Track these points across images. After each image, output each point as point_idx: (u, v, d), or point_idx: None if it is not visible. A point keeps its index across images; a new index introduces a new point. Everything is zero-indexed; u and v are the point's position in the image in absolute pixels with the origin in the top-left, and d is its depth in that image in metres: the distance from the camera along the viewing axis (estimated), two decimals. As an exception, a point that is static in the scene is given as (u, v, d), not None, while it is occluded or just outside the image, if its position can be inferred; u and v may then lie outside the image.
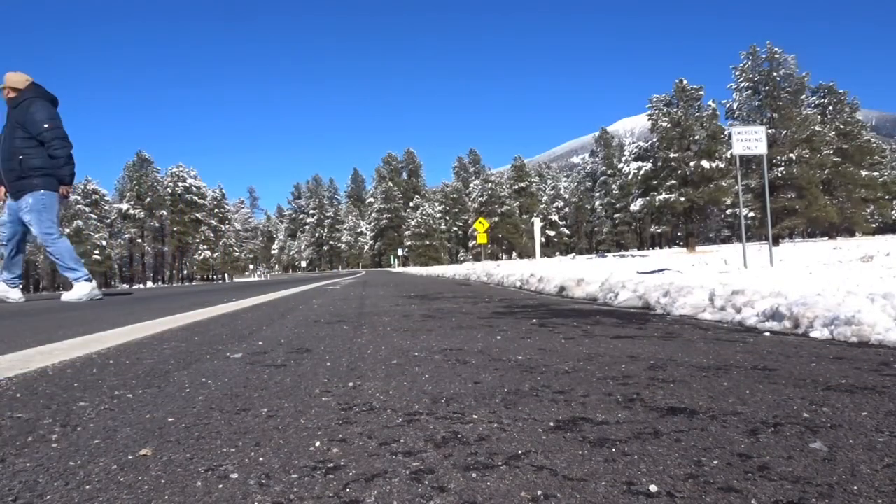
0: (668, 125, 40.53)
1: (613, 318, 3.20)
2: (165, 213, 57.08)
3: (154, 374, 1.82)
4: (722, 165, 39.15)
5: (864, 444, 1.01)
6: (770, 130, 37.09)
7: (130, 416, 1.32)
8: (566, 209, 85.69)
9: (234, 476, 0.94)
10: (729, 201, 42.69)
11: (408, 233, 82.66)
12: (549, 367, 1.80)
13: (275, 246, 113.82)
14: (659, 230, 58.06)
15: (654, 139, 41.84)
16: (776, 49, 42.07)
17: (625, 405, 1.32)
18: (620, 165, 56.00)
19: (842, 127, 45.88)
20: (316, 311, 4.33)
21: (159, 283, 57.66)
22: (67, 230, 45.76)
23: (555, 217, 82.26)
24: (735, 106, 43.05)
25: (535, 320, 3.22)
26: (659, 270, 7.10)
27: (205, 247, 59.30)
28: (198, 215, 59.04)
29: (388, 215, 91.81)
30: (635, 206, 43.89)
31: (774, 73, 41.54)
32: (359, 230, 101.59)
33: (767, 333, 2.42)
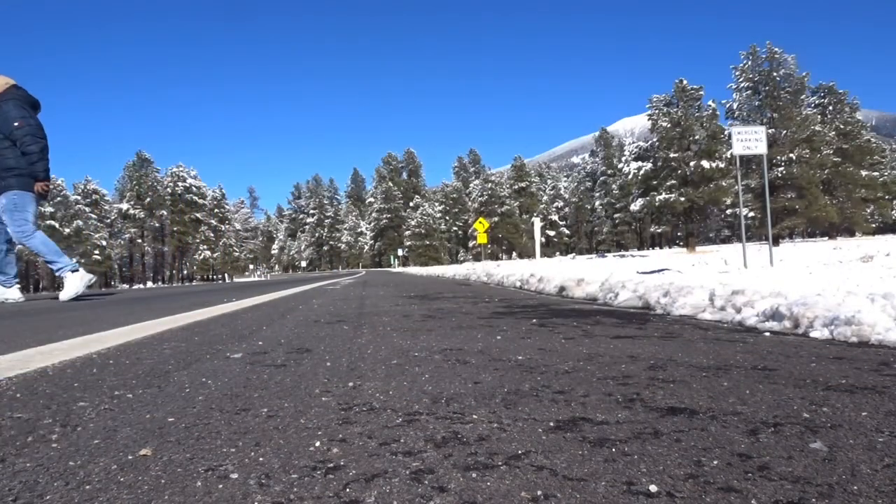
0: (668, 125, 40.53)
1: (613, 318, 3.20)
2: (165, 213, 57.07)
3: (154, 374, 1.82)
4: (722, 165, 39.15)
5: (864, 444, 1.01)
6: (770, 130, 37.09)
7: (130, 416, 1.32)
8: (566, 209, 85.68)
9: (234, 476, 0.94)
10: (729, 201, 42.68)
11: (408, 233, 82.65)
12: (549, 367, 1.80)
13: (275, 246, 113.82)
14: (659, 230, 58.05)
15: (654, 139, 41.84)
16: (776, 49, 42.07)
17: (625, 405, 1.32)
18: (620, 165, 55.99)
19: (842, 127, 45.87)
20: (316, 311, 4.33)
21: (159, 283, 57.65)
22: (67, 230, 45.77)
23: (555, 217, 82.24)
24: (735, 106, 43.05)
25: (535, 320, 3.22)
26: (659, 270, 7.10)
27: (205, 247, 59.29)
28: (198, 215, 59.03)
29: (388, 215, 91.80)
30: (635, 206, 43.88)
31: (774, 73, 41.53)
32: (359, 230, 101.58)
33: (767, 333, 2.42)
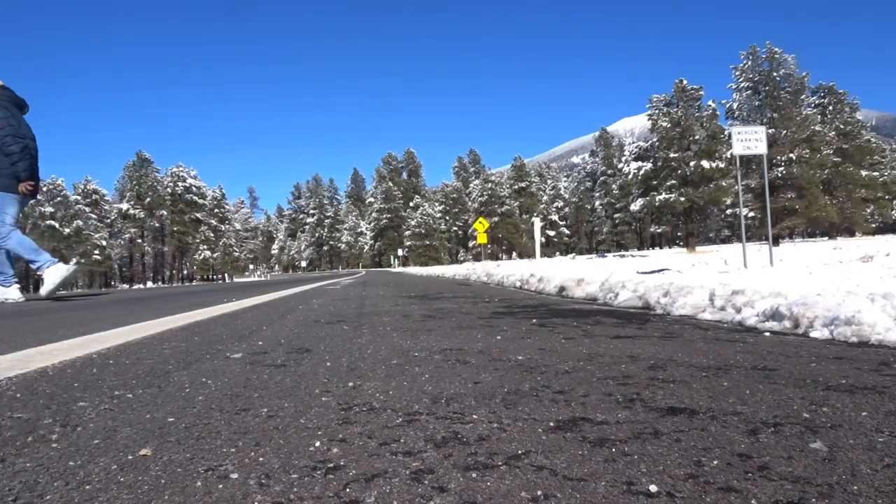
0: (668, 125, 40.53)
1: (613, 318, 3.20)
2: (165, 213, 57.07)
3: (154, 374, 1.82)
4: (722, 165, 39.15)
5: (864, 444, 1.01)
6: (770, 130, 37.08)
7: (130, 416, 1.32)
8: (566, 209, 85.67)
9: (234, 476, 0.94)
10: (729, 201, 42.67)
11: (408, 233, 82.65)
12: (549, 367, 1.80)
13: (275, 246, 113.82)
14: (659, 230, 58.05)
15: (654, 139, 41.84)
16: (776, 49, 42.07)
17: (625, 405, 1.32)
18: (620, 165, 55.98)
19: (842, 127, 45.87)
20: (316, 311, 4.33)
21: (159, 283, 57.64)
22: (67, 230, 45.76)
23: (555, 217, 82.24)
24: (735, 106, 43.05)
25: (535, 320, 3.22)
26: (659, 270, 7.10)
27: (205, 247, 59.29)
28: (198, 215, 59.03)
29: (388, 215, 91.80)
30: (635, 206, 43.87)
31: (774, 73, 41.53)
32: (359, 230, 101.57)
33: (767, 333, 2.42)
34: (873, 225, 53.13)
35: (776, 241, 38.00)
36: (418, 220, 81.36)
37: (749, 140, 8.50)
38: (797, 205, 40.55)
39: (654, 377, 1.61)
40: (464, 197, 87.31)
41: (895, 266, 5.76)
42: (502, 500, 0.83)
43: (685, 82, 41.60)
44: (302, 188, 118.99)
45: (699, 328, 2.68)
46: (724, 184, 39.06)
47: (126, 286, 49.74)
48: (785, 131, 40.59)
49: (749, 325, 2.68)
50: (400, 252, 77.43)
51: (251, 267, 76.33)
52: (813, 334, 2.30)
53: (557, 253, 74.32)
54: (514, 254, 76.37)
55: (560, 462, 0.97)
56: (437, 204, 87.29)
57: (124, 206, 55.25)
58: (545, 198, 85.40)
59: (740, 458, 0.96)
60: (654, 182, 41.07)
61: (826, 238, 46.04)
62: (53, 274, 6.91)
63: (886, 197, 51.24)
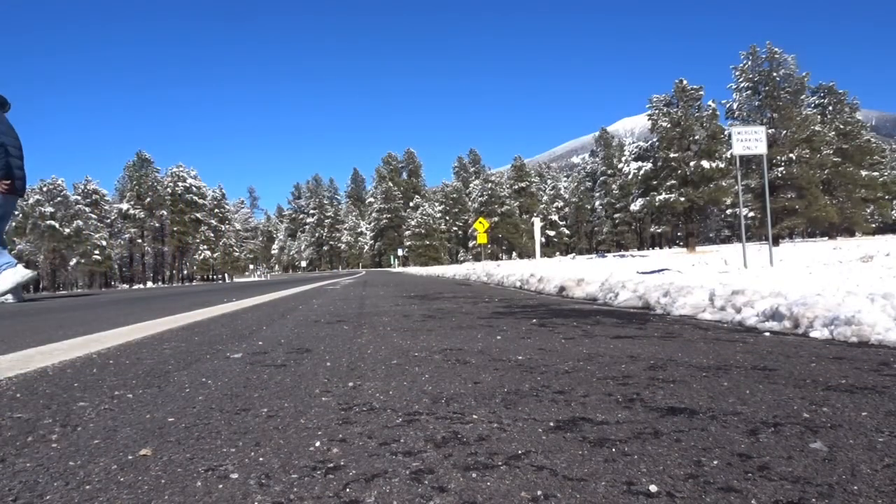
0: (668, 125, 40.52)
1: (613, 318, 3.20)
2: (165, 213, 57.07)
3: (154, 374, 1.82)
4: (722, 165, 39.14)
5: (864, 444, 1.01)
6: (770, 130, 37.07)
7: (130, 416, 1.32)
8: (566, 209, 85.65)
9: (234, 476, 0.94)
10: (729, 201, 42.67)
11: (408, 233, 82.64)
12: (549, 367, 1.80)
13: (275, 246, 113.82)
14: (659, 230, 58.05)
15: (654, 139, 41.83)
16: (776, 49, 42.06)
17: (625, 405, 1.32)
18: (620, 165, 55.96)
19: (842, 127, 45.87)
20: (316, 311, 4.33)
21: (159, 283, 57.64)
22: (67, 230, 45.76)
23: (555, 217, 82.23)
24: (735, 106, 43.04)
25: (535, 320, 3.22)
26: (659, 270, 7.10)
27: (205, 247, 59.28)
28: (198, 215, 59.02)
29: (388, 215, 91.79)
30: (635, 206, 43.87)
31: (774, 73, 41.52)
32: (359, 230, 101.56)
33: (767, 333, 2.42)
34: (873, 225, 53.12)
35: (776, 241, 38.00)
36: (418, 220, 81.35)
37: (749, 140, 8.50)
38: (797, 205, 40.54)
39: (654, 377, 1.61)
40: (464, 197, 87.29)
41: (895, 266, 5.76)
42: (502, 500, 0.83)
43: (685, 82, 41.60)
44: (302, 188, 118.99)
45: (699, 328, 2.68)
46: (724, 184, 39.06)
47: (126, 286, 49.74)
48: (785, 131, 40.58)
49: (749, 325, 2.68)
50: (400, 252, 77.41)
51: (251, 267, 76.33)
52: (813, 334, 2.30)
53: (557, 253, 74.30)
54: (514, 254, 76.37)
55: (560, 462, 0.97)
56: (437, 204, 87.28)
57: (124, 206, 55.25)
58: (545, 198, 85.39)
59: (740, 458, 0.96)
60: (654, 182, 41.07)
61: (826, 238, 46.03)
62: (8, 277, 6.90)
63: (886, 197, 51.23)
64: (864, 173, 45.84)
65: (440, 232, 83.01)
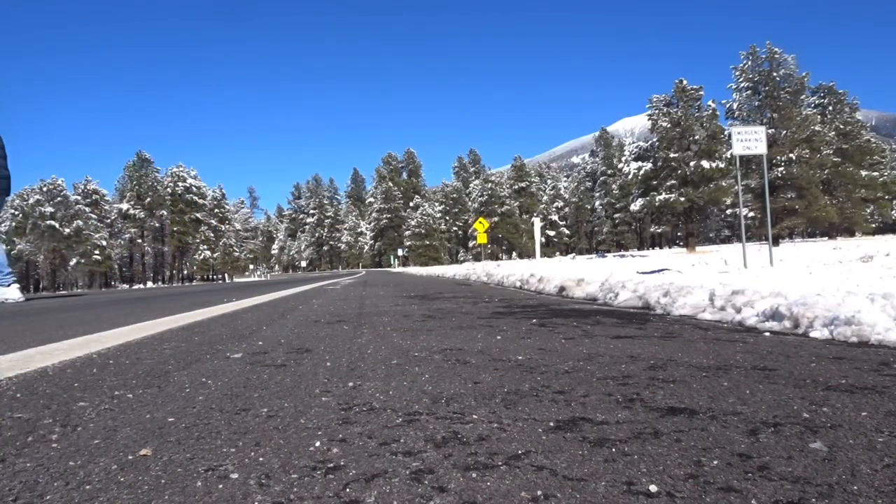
0: (668, 125, 40.51)
1: (613, 318, 3.20)
2: (165, 213, 57.07)
3: (154, 374, 1.82)
4: (722, 165, 39.14)
5: (864, 444, 1.01)
6: (770, 130, 37.07)
7: (130, 416, 1.32)
8: (566, 209, 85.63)
9: (235, 476, 0.94)
10: (729, 201, 42.66)
11: (408, 233, 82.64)
12: (549, 367, 1.80)
13: (275, 246, 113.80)
14: (659, 230, 58.04)
15: (654, 139, 41.82)
16: (776, 49, 42.05)
17: (625, 405, 1.32)
18: (620, 165, 55.95)
19: (842, 127, 45.86)
20: (316, 311, 4.33)
21: (159, 283, 57.64)
22: (67, 230, 45.75)
23: (555, 217, 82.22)
24: (735, 106, 43.03)
25: (535, 320, 3.23)
26: (659, 270, 7.10)
27: (205, 247, 59.29)
28: (198, 215, 59.02)
29: (388, 215, 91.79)
30: (635, 206, 43.86)
31: (774, 73, 41.52)
32: (359, 230, 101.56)
33: (767, 333, 2.42)
34: (873, 225, 53.10)
35: (776, 241, 37.99)
36: (418, 220, 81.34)
37: (749, 140, 8.50)
38: (797, 205, 40.54)
39: (654, 377, 1.61)
40: (464, 197, 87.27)
41: (895, 266, 5.76)
42: (502, 500, 0.83)
43: (685, 82, 41.59)
44: (302, 188, 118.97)
45: (699, 328, 2.68)
46: (724, 184, 39.05)
47: (126, 286, 49.74)
48: (785, 131, 40.58)
49: (749, 325, 2.68)
50: (400, 252, 77.39)
51: (251, 267, 76.33)
52: (813, 334, 2.30)
53: (557, 253, 74.28)
54: (514, 254, 76.36)
55: (560, 462, 0.97)
56: (437, 204, 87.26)
57: (124, 206, 55.24)
58: (545, 198, 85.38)
59: (740, 458, 0.96)
60: (654, 182, 41.06)
61: (826, 238, 46.03)
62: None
63: (886, 197, 51.21)
64: (864, 173, 45.83)
65: (440, 232, 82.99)
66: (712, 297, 3.23)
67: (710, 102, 41.98)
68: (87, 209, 49.79)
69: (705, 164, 39.14)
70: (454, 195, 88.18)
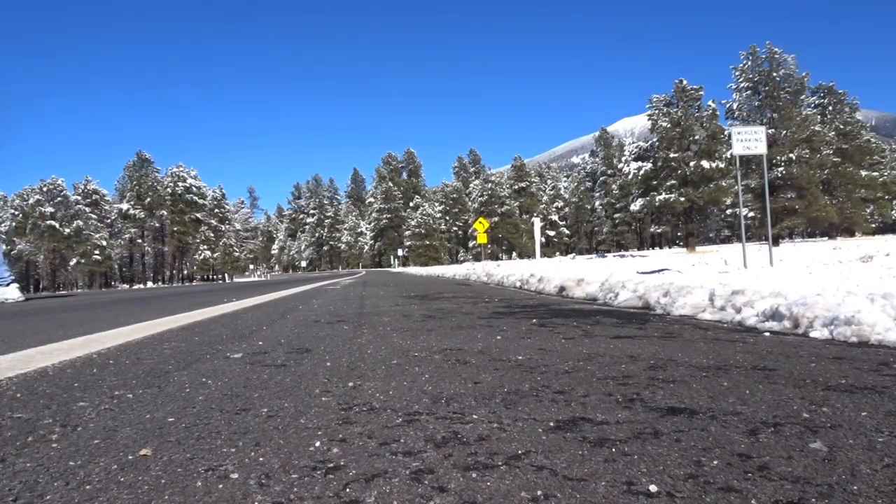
0: (668, 125, 40.51)
1: (613, 318, 3.20)
2: (165, 213, 57.08)
3: (154, 374, 1.82)
4: (722, 165, 39.13)
5: (864, 444, 1.01)
6: (770, 130, 37.06)
7: (130, 416, 1.32)
8: (566, 209, 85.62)
9: (235, 476, 0.94)
10: (729, 201, 42.64)
11: (408, 233, 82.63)
12: (549, 367, 1.80)
13: (275, 246, 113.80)
14: (659, 230, 58.04)
15: (654, 139, 41.82)
16: (776, 49, 42.04)
17: (625, 405, 1.32)
18: (620, 165, 55.93)
19: (842, 127, 45.85)
20: (316, 311, 4.33)
21: (159, 283, 57.65)
22: (68, 230, 45.77)
23: (555, 217, 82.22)
24: (735, 106, 43.01)
25: (535, 320, 3.23)
26: (659, 270, 7.10)
27: (205, 247, 59.29)
28: (198, 215, 59.02)
29: (388, 215, 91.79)
30: (635, 206, 43.84)
31: (774, 74, 41.51)
32: (359, 230, 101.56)
33: (767, 333, 2.42)
34: (873, 225, 53.09)
35: (776, 241, 38.00)
36: (418, 220, 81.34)
37: (749, 140, 8.50)
38: (797, 205, 40.53)
39: (654, 377, 1.61)
40: (464, 197, 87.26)
41: (895, 266, 5.76)
42: (502, 500, 0.83)
43: (685, 82, 41.59)
44: (302, 188, 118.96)
45: (699, 328, 2.68)
46: (724, 184, 39.04)
47: (126, 286, 49.74)
48: (785, 131, 40.57)
49: (749, 325, 2.68)
50: (400, 252, 77.39)
51: (251, 267, 76.33)
52: (813, 334, 2.30)
53: (557, 253, 74.28)
54: (514, 254, 76.36)
55: (560, 462, 0.97)
56: (437, 204, 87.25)
57: (124, 206, 55.25)
58: (545, 198, 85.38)
59: (740, 458, 0.96)
60: (654, 182, 41.05)
61: (826, 238, 46.02)
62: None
63: (886, 197, 51.19)
64: (864, 173, 45.82)
65: (440, 232, 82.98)
66: (712, 297, 3.23)
67: (710, 102, 41.96)
68: (87, 209, 49.80)
69: (705, 164, 39.13)
70: (454, 195, 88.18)
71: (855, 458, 0.95)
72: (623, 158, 49.56)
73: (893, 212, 60.10)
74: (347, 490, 0.87)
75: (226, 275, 61.37)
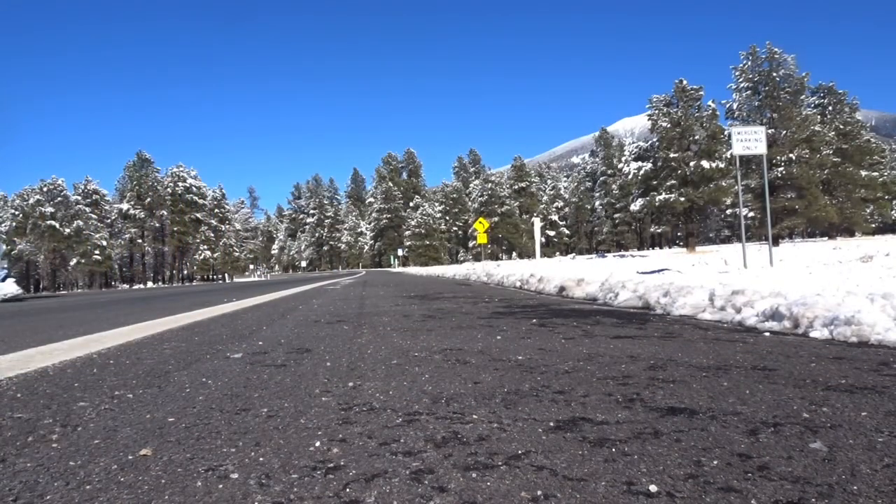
0: (668, 125, 40.50)
1: (613, 318, 3.20)
2: (165, 213, 57.09)
3: (154, 374, 1.82)
4: (722, 165, 39.12)
5: (864, 444, 1.01)
6: (770, 130, 37.04)
7: (130, 416, 1.32)
8: (566, 209, 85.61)
9: (235, 476, 0.94)
10: (729, 201, 42.64)
11: (408, 233, 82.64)
12: (549, 367, 1.81)
13: (275, 246, 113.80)
14: (659, 230, 58.04)
15: (654, 139, 41.82)
16: (776, 49, 42.04)
17: (625, 405, 1.32)
18: (620, 165, 55.92)
19: (841, 127, 45.84)
20: (316, 311, 4.33)
21: (159, 283, 57.66)
22: (68, 230, 45.79)
23: (555, 217, 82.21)
24: (735, 106, 43.01)
25: (535, 320, 3.23)
26: (659, 270, 7.10)
27: (205, 247, 59.29)
28: (198, 215, 59.02)
29: (388, 215, 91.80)
30: (635, 206, 43.84)
31: (774, 74, 41.51)
32: (359, 230, 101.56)
33: (767, 333, 2.42)
34: (873, 225, 53.07)
35: (776, 242, 37.99)
36: (418, 220, 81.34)
37: (749, 140, 8.50)
38: (797, 205, 40.52)
39: (654, 377, 1.61)
40: (464, 197, 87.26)
41: (895, 266, 5.76)
42: (502, 500, 0.83)
43: (685, 82, 41.59)
44: (302, 188, 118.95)
45: (699, 328, 2.68)
46: (724, 184, 39.03)
47: (126, 286, 49.75)
48: (785, 131, 40.56)
49: (749, 325, 2.68)
50: (400, 252, 77.40)
51: (251, 267, 76.32)
52: (813, 334, 2.30)
53: (557, 253, 74.27)
54: (514, 254, 76.36)
55: (560, 462, 0.97)
56: (437, 204, 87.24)
57: (124, 206, 55.26)
58: (545, 198, 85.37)
59: (740, 458, 0.96)
60: (654, 182, 41.05)
61: (826, 238, 46.02)
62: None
63: (886, 197, 51.17)
64: (863, 173, 45.81)
65: (440, 232, 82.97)
66: (712, 297, 3.24)
67: (710, 102, 41.94)
68: (87, 209, 49.81)
69: (705, 164, 39.12)
70: (454, 195, 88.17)
71: (855, 458, 0.95)
72: (623, 158, 49.55)
73: (893, 212, 60.10)
74: (347, 490, 0.87)
75: (226, 275, 61.38)
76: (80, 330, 3.18)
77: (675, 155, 40.61)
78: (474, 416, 1.25)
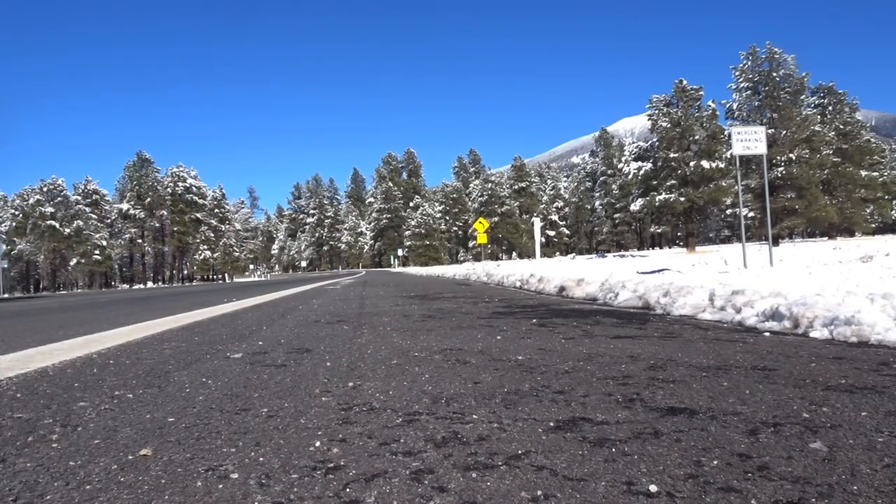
0: (668, 125, 40.51)
1: (613, 318, 3.20)
2: (165, 213, 57.09)
3: (154, 374, 1.82)
4: (722, 165, 39.13)
5: (864, 444, 1.01)
6: (770, 130, 37.04)
7: (131, 416, 1.32)
8: (566, 209, 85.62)
9: (235, 476, 0.94)
10: (729, 201, 42.64)
11: (408, 233, 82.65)
12: (549, 367, 1.81)
13: (275, 246, 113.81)
14: (659, 230, 58.05)
15: (654, 139, 41.82)
16: (776, 49, 42.05)
17: (625, 405, 1.32)
18: (620, 165, 55.94)
19: (841, 127, 45.85)
20: (316, 311, 4.33)
21: (159, 283, 57.67)
22: (68, 230, 45.79)
23: (555, 217, 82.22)
24: (735, 106, 43.01)
25: (535, 320, 3.23)
26: (659, 270, 7.10)
27: (205, 247, 59.30)
28: (198, 215, 59.03)
29: (388, 215, 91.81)
30: (635, 206, 43.84)
31: (774, 74, 41.51)
32: (359, 230, 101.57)
33: (767, 333, 2.42)
34: (873, 225, 53.08)
35: (776, 242, 37.99)
36: (418, 220, 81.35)
37: (749, 140, 8.50)
38: (797, 205, 40.53)
39: (654, 377, 1.61)
40: (464, 197, 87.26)
41: (895, 266, 5.76)
42: (502, 500, 0.83)
43: (685, 82, 41.60)
44: (302, 188, 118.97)
45: (699, 328, 2.68)
46: (724, 184, 39.04)
47: (126, 286, 49.75)
48: (785, 131, 40.57)
49: (749, 325, 2.68)
50: (400, 252, 77.42)
51: (251, 267, 76.34)
52: (813, 334, 2.30)
53: (557, 253, 74.27)
54: (514, 254, 76.36)
55: (560, 462, 0.97)
56: (437, 204, 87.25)
57: (124, 206, 55.27)
58: (545, 198, 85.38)
59: (740, 458, 0.96)
60: (654, 182, 41.05)
61: (826, 238, 46.03)
62: None
63: (886, 197, 51.18)
64: (863, 173, 45.82)
65: (440, 232, 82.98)
66: (712, 297, 3.24)
67: (710, 102, 41.95)
68: (87, 209, 49.82)
69: (705, 164, 39.13)
70: (454, 195, 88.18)
71: (855, 458, 0.95)
72: (623, 158, 49.56)
73: (893, 212, 60.11)
74: (347, 490, 0.87)
75: (226, 275, 61.39)
76: (80, 330, 3.18)
77: (675, 155, 40.61)
78: (474, 416, 1.25)
